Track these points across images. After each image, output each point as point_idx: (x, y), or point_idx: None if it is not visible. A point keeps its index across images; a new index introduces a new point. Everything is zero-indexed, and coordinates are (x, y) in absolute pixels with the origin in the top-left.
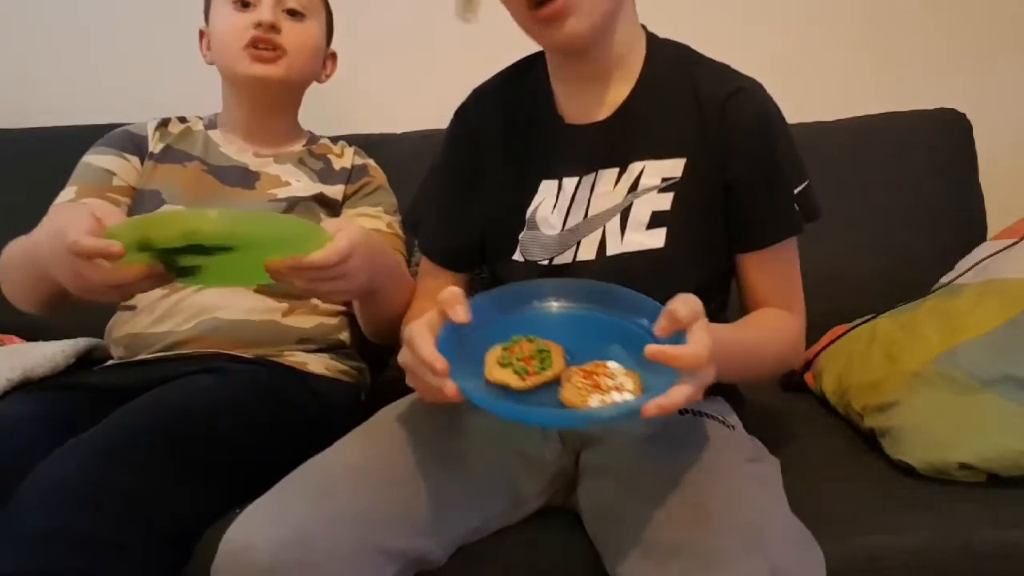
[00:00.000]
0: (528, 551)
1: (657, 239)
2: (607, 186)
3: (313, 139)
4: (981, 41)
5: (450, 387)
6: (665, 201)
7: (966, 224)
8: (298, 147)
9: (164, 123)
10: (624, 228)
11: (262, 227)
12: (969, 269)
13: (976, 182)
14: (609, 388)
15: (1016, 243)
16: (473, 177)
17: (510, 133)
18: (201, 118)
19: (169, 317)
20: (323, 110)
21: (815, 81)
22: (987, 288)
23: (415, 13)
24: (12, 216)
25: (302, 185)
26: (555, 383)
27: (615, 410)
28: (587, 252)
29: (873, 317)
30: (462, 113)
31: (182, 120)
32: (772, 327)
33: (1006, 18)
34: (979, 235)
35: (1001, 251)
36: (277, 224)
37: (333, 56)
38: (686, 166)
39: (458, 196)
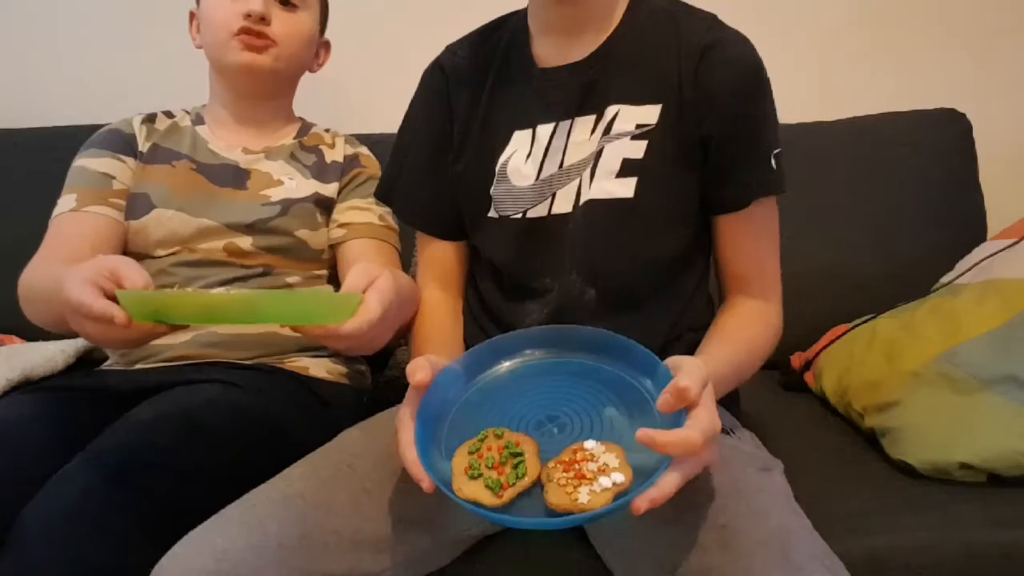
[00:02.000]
0: (526, 560)
1: (627, 188)
2: (583, 134)
3: (305, 128)
4: (981, 41)
5: (431, 490)
6: (638, 149)
7: (966, 224)
8: (289, 140)
9: (150, 118)
10: (594, 175)
11: (288, 309)
12: (969, 269)
13: (976, 182)
14: (594, 474)
15: (1016, 243)
16: (446, 136)
17: (482, 86)
18: (188, 112)
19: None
20: (323, 110)
21: (815, 81)
22: (987, 288)
23: (415, 12)
24: (12, 216)
25: (295, 184)
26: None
27: (608, 508)
28: (563, 204)
29: (873, 317)
30: (433, 69)
31: (168, 115)
32: (751, 332)
33: (1006, 18)
34: (979, 235)
35: (1001, 251)
36: (304, 305)
37: (326, 45)
38: (662, 113)
39: (432, 156)
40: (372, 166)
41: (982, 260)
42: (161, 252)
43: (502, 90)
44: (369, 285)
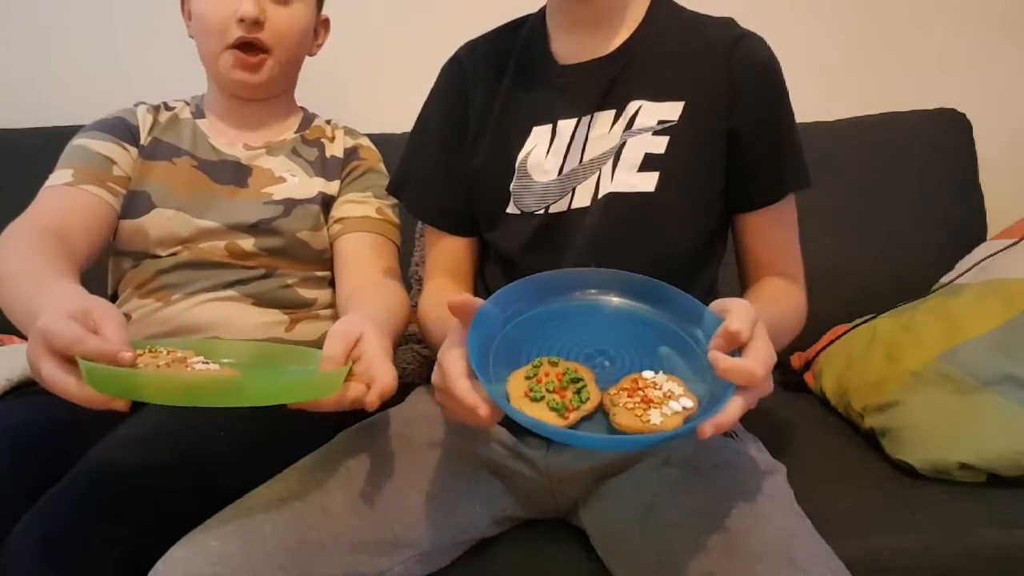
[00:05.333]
0: (527, 562)
1: (648, 182)
2: (603, 128)
3: (306, 120)
4: (981, 41)
5: (489, 417)
6: (659, 144)
7: (966, 224)
8: (290, 134)
9: (154, 109)
10: (615, 168)
11: (273, 389)
12: (969, 269)
13: (976, 182)
14: (661, 399)
15: (1016, 243)
16: (461, 131)
17: (501, 82)
18: (188, 103)
19: (161, 336)
20: (323, 110)
21: (815, 81)
22: (987, 288)
23: (417, 13)
24: (11, 216)
25: (298, 181)
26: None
27: (680, 430)
28: (582, 199)
29: (873, 317)
30: (452, 65)
31: (167, 107)
32: (784, 302)
33: (1006, 18)
34: (979, 235)
35: (1001, 251)
36: (288, 386)
37: (325, 23)
38: (684, 110)
39: (445, 152)
40: (371, 157)
41: (982, 260)
42: (161, 252)
43: (521, 86)
44: (349, 349)
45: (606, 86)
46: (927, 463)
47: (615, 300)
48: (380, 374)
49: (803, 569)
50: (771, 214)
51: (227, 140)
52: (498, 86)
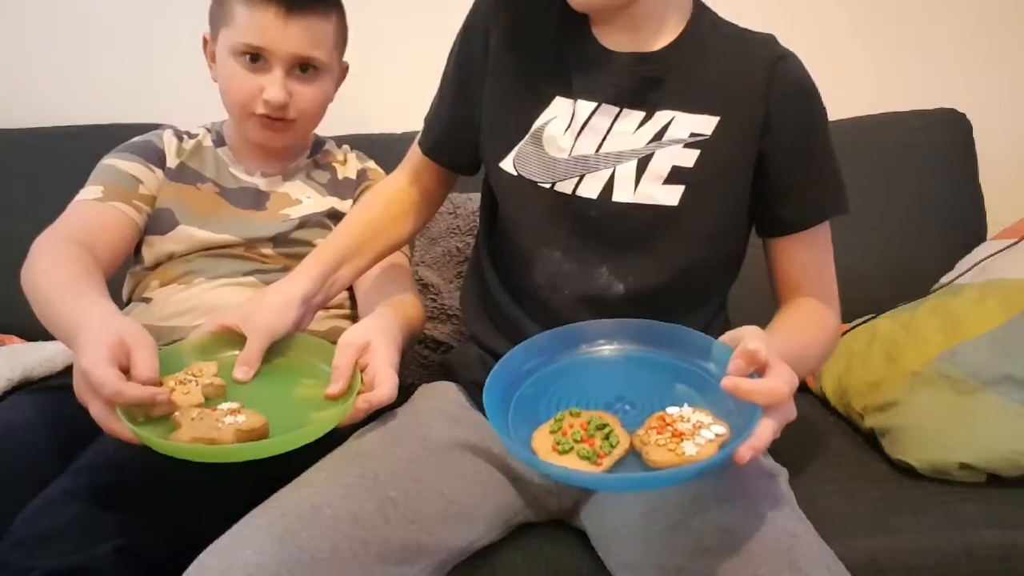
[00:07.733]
0: (528, 565)
1: (672, 196)
2: (628, 127)
3: (318, 145)
4: (981, 41)
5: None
6: (689, 158)
7: (966, 224)
8: (303, 159)
9: (179, 136)
10: (639, 178)
11: (291, 444)
12: (969, 269)
13: (976, 182)
14: (692, 431)
15: (1016, 243)
16: (480, 67)
17: (533, 32)
18: (208, 130)
19: (181, 314)
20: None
21: (815, 81)
22: (987, 288)
23: (416, 13)
24: (12, 216)
25: (312, 202)
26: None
27: (717, 458)
28: (590, 189)
29: (873, 317)
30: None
31: (190, 135)
32: (814, 328)
33: (1006, 18)
34: (979, 235)
35: (1001, 251)
36: (304, 439)
37: (345, 70)
38: (719, 125)
39: (459, 84)
40: (378, 178)
41: (982, 260)
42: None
43: (553, 48)
44: (356, 358)
45: (640, 84)
46: (927, 463)
47: (623, 348)
48: (379, 384)
49: (805, 572)
50: (803, 238)
51: (245, 168)
52: (530, 37)
